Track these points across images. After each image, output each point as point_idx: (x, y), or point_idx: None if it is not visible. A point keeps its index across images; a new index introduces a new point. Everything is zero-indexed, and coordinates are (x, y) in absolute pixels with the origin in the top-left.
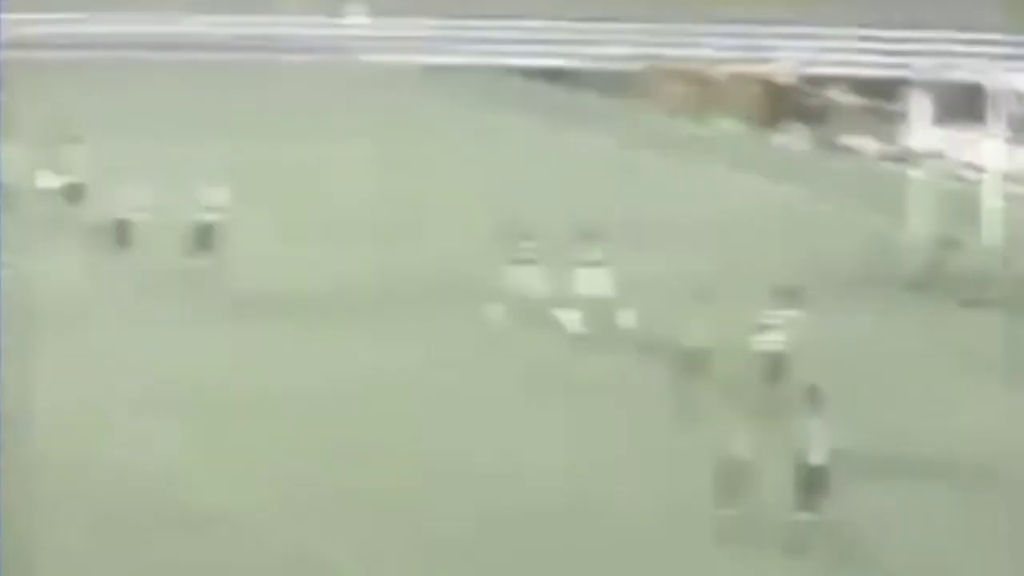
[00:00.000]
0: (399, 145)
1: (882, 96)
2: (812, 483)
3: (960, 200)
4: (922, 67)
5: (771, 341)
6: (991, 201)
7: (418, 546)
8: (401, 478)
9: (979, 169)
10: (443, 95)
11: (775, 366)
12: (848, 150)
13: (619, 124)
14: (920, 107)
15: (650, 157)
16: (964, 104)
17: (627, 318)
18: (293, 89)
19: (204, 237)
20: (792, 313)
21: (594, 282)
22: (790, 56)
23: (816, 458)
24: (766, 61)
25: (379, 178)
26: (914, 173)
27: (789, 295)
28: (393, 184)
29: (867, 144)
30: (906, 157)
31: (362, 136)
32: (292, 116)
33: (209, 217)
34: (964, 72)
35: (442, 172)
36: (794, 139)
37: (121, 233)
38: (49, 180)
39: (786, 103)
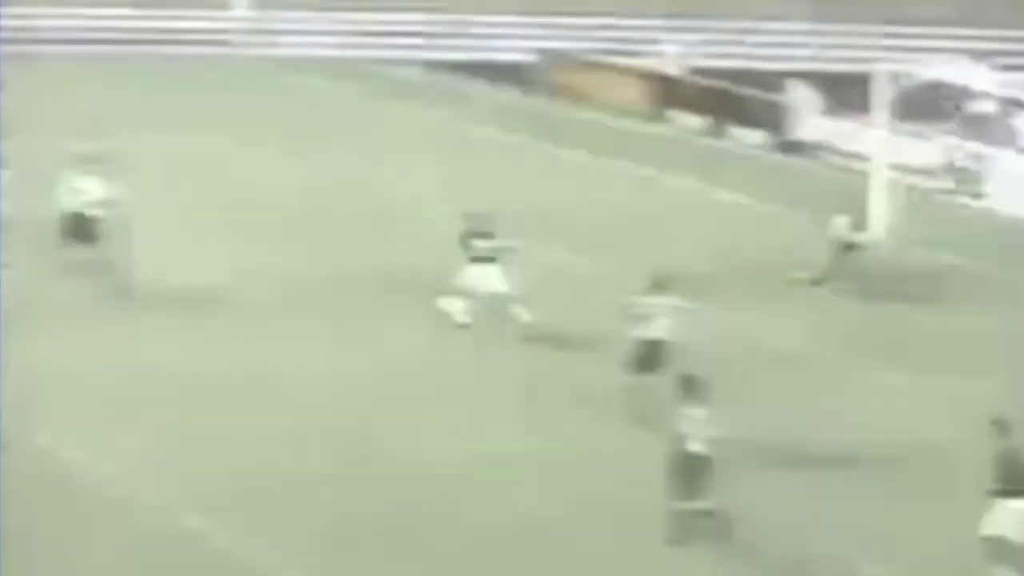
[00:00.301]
0: (296, 138)
1: (771, 88)
2: (692, 472)
3: (851, 191)
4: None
5: (651, 330)
6: (878, 192)
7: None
8: (323, 469)
9: (866, 159)
10: (339, 87)
11: (655, 354)
12: (739, 141)
13: (517, 116)
14: (808, 98)
15: (544, 148)
16: (853, 95)
17: (521, 312)
18: (190, 82)
19: (88, 229)
20: (672, 301)
21: (486, 276)
22: (678, 48)
23: (696, 446)
24: (656, 53)
25: (280, 171)
26: (805, 164)
27: (667, 284)
28: (293, 178)
29: (757, 135)
30: (796, 148)
31: (257, 129)
32: (188, 110)
33: (96, 210)
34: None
35: (340, 164)
36: (686, 131)
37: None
38: None
39: (676, 95)
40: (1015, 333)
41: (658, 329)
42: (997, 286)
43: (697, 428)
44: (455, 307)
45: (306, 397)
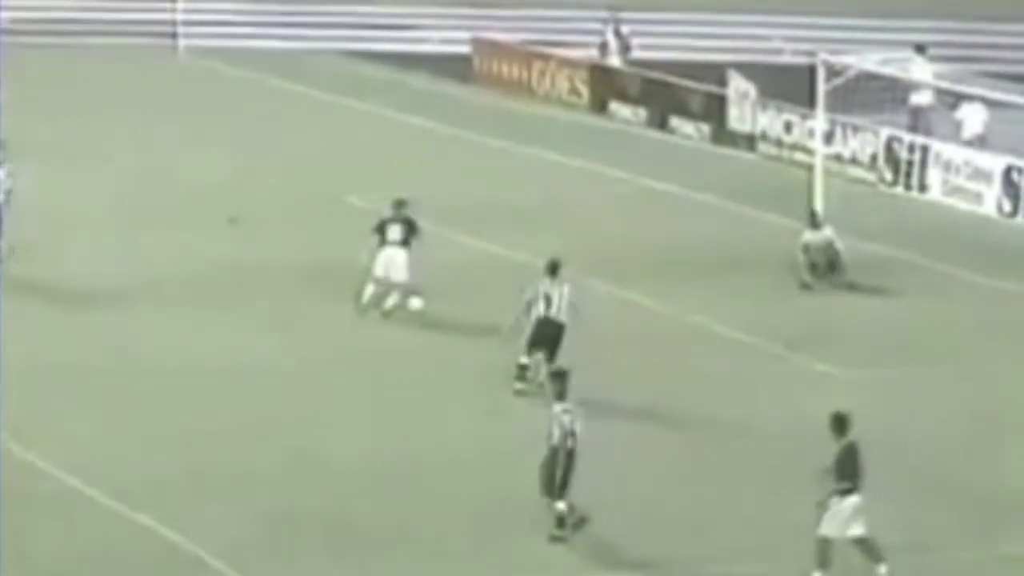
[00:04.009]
0: (231, 127)
1: (711, 80)
2: (560, 468)
3: (791, 183)
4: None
5: (546, 311)
6: (820, 184)
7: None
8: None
9: (807, 151)
10: (276, 78)
11: (552, 336)
12: (678, 133)
13: (450, 106)
14: (750, 90)
15: (480, 139)
16: (794, 87)
17: (415, 301)
18: (123, 72)
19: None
20: (566, 285)
21: (393, 263)
22: (621, 40)
23: (562, 442)
24: (597, 44)
25: (214, 160)
26: (746, 156)
27: (561, 268)
28: (225, 166)
29: (698, 127)
30: (737, 140)
31: (196, 119)
32: (119, 98)
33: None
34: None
35: (274, 154)
36: (624, 122)
37: None
38: None
39: (615, 86)
40: (953, 325)
41: (553, 311)
42: (940, 279)
43: (567, 423)
44: (365, 296)
45: (213, 388)
